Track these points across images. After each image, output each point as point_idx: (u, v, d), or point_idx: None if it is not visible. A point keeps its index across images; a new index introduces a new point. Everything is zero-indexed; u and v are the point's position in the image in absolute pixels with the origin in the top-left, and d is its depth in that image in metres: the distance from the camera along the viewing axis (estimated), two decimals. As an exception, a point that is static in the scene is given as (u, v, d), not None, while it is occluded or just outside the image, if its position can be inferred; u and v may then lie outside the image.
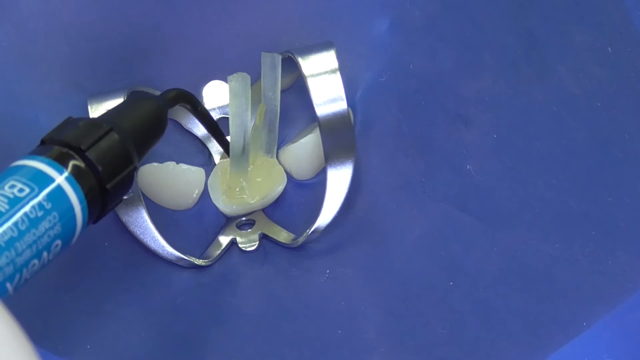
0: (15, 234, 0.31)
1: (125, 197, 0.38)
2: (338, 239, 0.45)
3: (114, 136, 0.35)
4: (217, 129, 0.44)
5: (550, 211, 0.43)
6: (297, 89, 0.47)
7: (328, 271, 0.44)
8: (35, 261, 0.32)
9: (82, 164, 0.34)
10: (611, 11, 0.44)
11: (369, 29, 0.47)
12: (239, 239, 0.45)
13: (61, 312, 0.41)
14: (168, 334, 0.42)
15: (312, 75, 0.43)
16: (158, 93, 0.42)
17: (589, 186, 0.43)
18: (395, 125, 0.46)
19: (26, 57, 0.45)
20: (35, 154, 0.33)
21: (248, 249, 0.45)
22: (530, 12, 0.45)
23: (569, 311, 0.41)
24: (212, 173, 0.46)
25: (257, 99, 0.45)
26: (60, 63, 0.45)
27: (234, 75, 0.43)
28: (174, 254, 0.43)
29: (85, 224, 0.34)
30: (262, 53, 0.44)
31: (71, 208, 0.33)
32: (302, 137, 0.46)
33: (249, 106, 0.43)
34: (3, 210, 0.31)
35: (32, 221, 0.31)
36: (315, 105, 0.43)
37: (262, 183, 0.46)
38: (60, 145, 0.34)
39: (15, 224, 0.31)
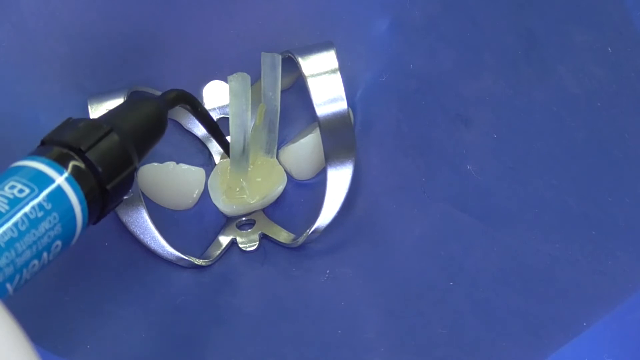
0: (16, 234, 0.31)
1: (125, 197, 0.38)
2: (338, 239, 0.45)
3: (114, 137, 0.35)
4: (217, 129, 0.44)
5: (550, 211, 0.43)
6: (297, 89, 0.47)
7: (328, 271, 0.44)
8: (35, 262, 0.32)
9: (82, 165, 0.34)
10: (611, 11, 0.44)
11: (369, 29, 0.47)
12: (239, 239, 0.45)
13: (61, 312, 0.41)
14: (168, 334, 0.42)
15: (312, 75, 0.43)
16: (158, 93, 0.42)
17: (589, 186, 0.43)
18: (395, 125, 0.46)
19: (26, 57, 0.45)
20: (35, 154, 0.33)
21: (248, 249, 0.45)
22: (530, 12, 0.45)
23: (569, 311, 0.41)
24: (212, 173, 0.46)
25: (257, 99, 0.45)
26: (60, 63, 0.45)
27: (234, 75, 0.43)
28: (174, 254, 0.43)
29: (86, 225, 0.34)
30: (262, 53, 0.44)
31: (71, 209, 0.33)
32: (302, 137, 0.46)
33: (249, 106, 0.43)
34: (3, 210, 0.31)
35: (32, 222, 0.31)
36: (315, 105, 0.43)
37: (262, 183, 0.46)
38: (60, 146, 0.34)
39: (16, 224, 0.31)
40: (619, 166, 0.43)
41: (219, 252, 0.45)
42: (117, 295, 0.43)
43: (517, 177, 0.44)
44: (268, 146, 0.46)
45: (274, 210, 0.47)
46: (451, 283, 0.43)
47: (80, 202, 0.33)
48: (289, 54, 0.44)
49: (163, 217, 0.45)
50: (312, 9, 0.47)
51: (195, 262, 0.44)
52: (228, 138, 0.44)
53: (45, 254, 0.32)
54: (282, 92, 0.45)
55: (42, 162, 0.33)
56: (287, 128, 0.47)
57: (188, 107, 0.41)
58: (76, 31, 0.45)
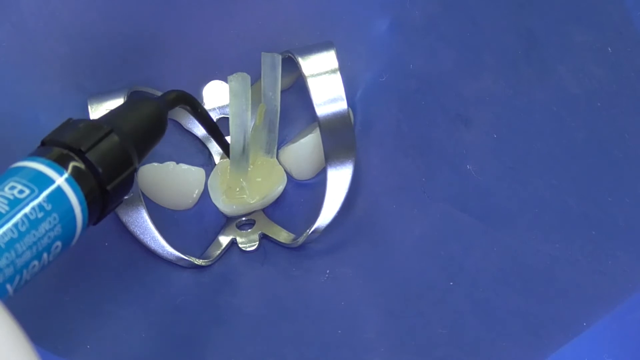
0: (16, 235, 0.31)
1: (125, 198, 0.38)
2: (338, 239, 0.45)
3: (114, 138, 0.35)
4: (217, 130, 0.44)
5: (550, 211, 0.43)
6: (297, 89, 0.47)
7: (328, 271, 0.44)
8: (36, 262, 0.32)
9: (82, 166, 0.34)
10: (611, 11, 0.44)
11: (369, 29, 0.47)
12: (239, 239, 0.45)
13: (61, 312, 0.41)
14: (168, 334, 0.42)
15: (312, 75, 0.43)
16: (158, 93, 0.42)
17: (589, 186, 0.43)
18: (395, 125, 0.46)
19: (26, 57, 0.45)
20: (35, 155, 0.33)
21: (248, 249, 0.45)
22: (530, 12, 0.45)
23: (569, 311, 0.41)
24: (212, 173, 0.46)
25: (257, 99, 0.45)
26: (60, 63, 0.45)
27: (234, 75, 0.43)
28: (174, 254, 0.43)
29: (86, 226, 0.34)
30: (262, 53, 0.44)
31: (71, 209, 0.33)
32: (302, 137, 0.46)
33: (249, 106, 0.43)
34: (3, 211, 0.31)
35: (32, 222, 0.31)
36: (315, 105, 0.43)
37: (262, 183, 0.46)
38: (60, 146, 0.34)
39: (16, 225, 0.31)
40: (619, 166, 0.43)
41: (219, 252, 0.45)
42: (117, 295, 0.43)
43: (517, 177, 0.44)
44: (268, 146, 0.46)
45: (274, 210, 0.47)
46: (451, 283, 0.43)
47: (80, 203, 0.33)
48: (289, 54, 0.44)
49: (163, 217, 0.45)
50: (312, 9, 0.47)
51: (195, 262, 0.44)
52: (228, 138, 0.44)
53: (45, 255, 0.32)
54: (282, 92, 0.45)
55: (42, 162, 0.33)
56: (287, 128, 0.47)
57: (188, 107, 0.41)
58: (76, 31, 0.45)
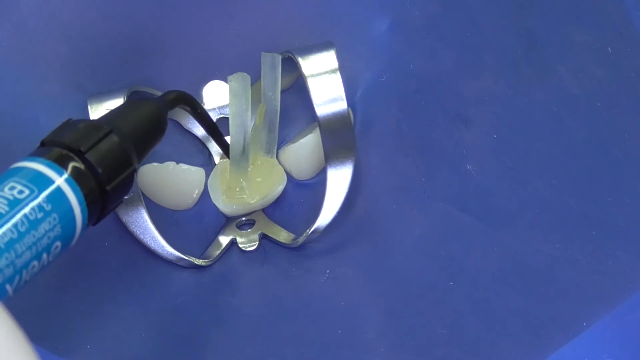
0: (15, 235, 0.31)
1: (125, 198, 0.38)
2: (338, 239, 0.45)
3: (114, 138, 0.35)
4: (216, 131, 0.44)
5: (550, 211, 0.43)
6: (297, 89, 0.47)
7: (328, 271, 0.44)
8: (35, 263, 0.32)
9: (81, 166, 0.34)
10: (611, 11, 0.44)
11: (369, 29, 0.47)
12: (239, 239, 0.45)
13: (61, 312, 0.41)
14: (168, 334, 0.42)
15: (312, 75, 0.43)
16: (158, 93, 0.42)
17: (589, 186, 0.43)
18: (395, 125, 0.46)
19: (26, 57, 0.45)
20: (35, 155, 0.33)
21: (248, 249, 0.45)
22: (530, 12, 0.45)
23: (569, 311, 0.41)
24: (212, 173, 0.46)
25: (257, 99, 0.45)
26: (60, 63, 0.45)
27: (234, 75, 0.43)
28: (174, 254, 0.43)
29: (85, 226, 0.34)
30: (262, 53, 0.44)
31: (71, 210, 0.33)
32: (302, 137, 0.46)
33: (249, 106, 0.43)
34: (3, 212, 0.31)
35: (32, 223, 0.31)
36: (315, 105, 0.43)
37: (262, 183, 0.46)
38: (60, 147, 0.34)
39: (15, 225, 0.31)
40: (619, 166, 0.43)
41: (218, 252, 0.45)
42: (117, 295, 0.43)
43: (517, 177, 0.44)
44: (268, 146, 0.46)
45: (274, 210, 0.47)
46: (451, 283, 0.43)
47: (80, 203, 0.33)
48: (289, 54, 0.44)
49: (163, 217, 0.45)
50: (312, 9, 0.47)
51: (195, 262, 0.44)
52: (228, 138, 0.44)
53: (44, 255, 0.32)
54: (282, 92, 0.45)
55: (42, 163, 0.33)
56: (287, 128, 0.47)
57: (187, 108, 0.41)
58: (76, 31, 0.45)
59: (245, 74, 0.43)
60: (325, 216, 0.44)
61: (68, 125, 0.36)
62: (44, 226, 0.32)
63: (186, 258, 0.44)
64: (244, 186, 0.45)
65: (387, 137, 0.46)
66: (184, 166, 0.46)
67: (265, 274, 0.45)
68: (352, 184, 0.44)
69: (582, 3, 0.45)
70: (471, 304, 0.42)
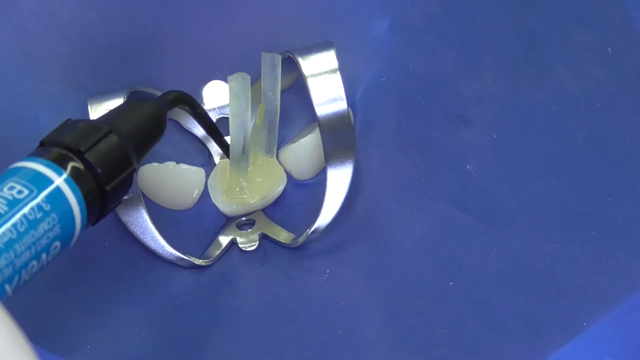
0: (14, 235, 0.31)
1: (125, 197, 0.38)
2: (338, 239, 0.45)
3: (113, 138, 0.35)
4: (216, 131, 0.44)
5: (550, 211, 0.43)
6: (297, 89, 0.47)
7: (328, 271, 0.44)
8: (34, 263, 0.32)
9: (81, 166, 0.34)
10: (611, 11, 0.44)
11: (369, 29, 0.47)
12: (239, 239, 0.45)
13: (61, 312, 0.41)
14: (168, 334, 0.42)
15: (312, 75, 0.43)
16: (158, 93, 0.42)
17: (589, 186, 0.43)
18: (395, 125, 0.46)
19: (26, 57, 0.45)
20: (34, 155, 0.33)
21: (248, 249, 0.45)
22: (530, 12, 0.45)
23: (569, 311, 0.41)
24: (212, 173, 0.46)
25: (257, 99, 0.45)
26: (60, 63, 0.45)
27: (234, 75, 0.43)
28: (174, 254, 0.43)
29: (84, 226, 0.34)
30: (262, 53, 0.44)
31: (70, 210, 0.33)
32: (302, 137, 0.46)
33: (249, 106, 0.43)
34: (2, 212, 0.31)
35: (31, 223, 0.31)
36: (315, 105, 0.43)
37: (262, 183, 0.46)
38: (59, 147, 0.34)
39: (14, 225, 0.31)
40: (619, 166, 0.43)
41: (219, 252, 0.45)
42: (117, 295, 0.43)
43: (517, 177, 0.44)
44: (268, 146, 0.46)
45: (274, 210, 0.47)
46: (451, 283, 0.43)
47: (79, 203, 0.33)
48: (289, 54, 0.44)
49: (163, 217, 0.45)
50: (312, 9, 0.47)
51: (195, 262, 0.44)
52: (228, 138, 0.44)
53: (44, 255, 0.32)
54: (282, 92, 0.45)
55: (41, 163, 0.33)
56: (287, 128, 0.47)
57: (187, 108, 0.41)
58: (76, 31, 0.45)
59: (245, 74, 0.43)
60: (325, 216, 0.44)
61: (67, 125, 0.36)
62: (43, 226, 0.32)
63: (186, 258, 0.44)
64: (244, 186, 0.45)
65: (387, 137, 0.46)
66: (184, 166, 0.46)
67: (265, 274, 0.45)
68: (352, 184, 0.44)
69: (582, 3, 0.45)
70: (471, 304, 0.42)
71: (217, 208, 0.46)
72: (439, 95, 0.46)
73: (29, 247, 0.31)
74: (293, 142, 0.47)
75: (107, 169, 0.34)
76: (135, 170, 0.37)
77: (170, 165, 0.46)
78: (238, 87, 0.43)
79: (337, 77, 0.44)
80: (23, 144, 0.37)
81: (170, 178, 0.45)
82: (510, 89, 0.45)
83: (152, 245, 0.43)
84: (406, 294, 0.43)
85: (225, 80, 0.44)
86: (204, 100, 0.47)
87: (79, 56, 0.45)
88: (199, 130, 0.47)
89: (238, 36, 0.47)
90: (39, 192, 0.32)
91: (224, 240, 0.45)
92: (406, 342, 0.42)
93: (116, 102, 0.43)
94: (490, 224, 0.44)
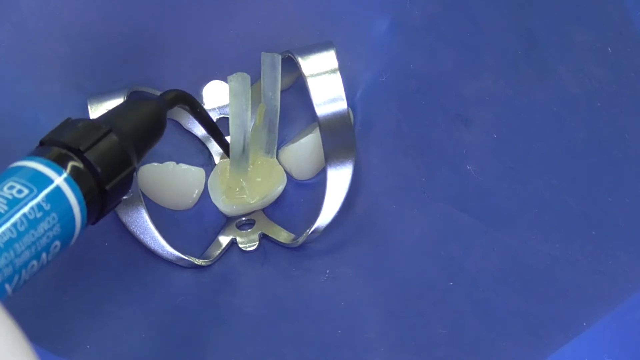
0: (14, 235, 0.31)
1: (125, 197, 0.38)
2: (338, 239, 0.45)
3: (113, 137, 0.35)
4: (216, 130, 0.44)
5: (550, 211, 0.43)
6: (297, 89, 0.47)
7: (328, 271, 0.44)
8: (34, 262, 0.32)
9: (81, 165, 0.34)
10: (611, 11, 0.44)
11: (369, 29, 0.47)
12: (239, 239, 0.45)
13: (61, 312, 0.41)
14: (168, 334, 0.42)
15: (312, 75, 0.43)
16: (158, 93, 0.42)
17: (589, 186, 0.43)
18: (395, 125, 0.46)
19: (26, 57, 0.45)
20: (34, 155, 0.33)
21: (248, 249, 0.45)
22: (530, 12, 0.45)
23: (569, 311, 0.41)
24: (212, 173, 0.46)
25: (257, 99, 0.45)
26: (60, 63, 0.45)
27: (234, 75, 0.43)
28: (174, 254, 0.43)
29: (84, 225, 0.34)
30: (262, 53, 0.44)
31: (70, 209, 0.33)
32: (302, 137, 0.46)
33: (249, 106, 0.43)
34: (2, 211, 0.31)
35: (31, 222, 0.31)
36: (315, 105, 0.43)
37: (262, 183, 0.46)
38: (59, 146, 0.34)
39: (14, 225, 0.31)
40: (619, 166, 0.43)
41: (218, 252, 0.45)
42: (117, 295, 0.43)
43: (517, 177, 0.44)
44: (268, 146, 0.46)
45: (274, 210, 0.47)
46: (451, 283, 0.43)
47: (79, 203, 0.33)
48: (289, 54, 0.44)
49: (163, 217, 0.45)
50: (312, 9, 0.47)
51: (195, 262, 0.44)
52: (228, 138, 0.44)
53: (44, 255, 0.32)
54: (282, 92, 0.45)
55: (41, 162, 0.33)
56: (287, 128, 0.47)
57: (187, 107, 0.41)
58: (76, 31, 0.45)
59: (245, 74, 0.43)
60: (325, 216, 0.44)
61: (67, 124, 0.36)
62: (43, 225, 0.32)
63: (186, 258, 0.44)
64: (244, 186, 0.45)
65: (387, 137, 0.46)
66: (184, 166, 0.46)
67: (265, 274, 0.45)
68: (352, 184, 0.44)
69: (582, 3, 0.45)
70: (471, 304, 0.42)
71: (217, 208, 0.46)
72: (439, 95, 0.46)
73: (29, 247, 0.31)
74: (293, 142, 0.47)
75: (107, 168, 0.34)
76: (135, 170, 0.37)
77: (170, 165, 0.46)
78: (238, 87, 0.43)
79: (337, 77, 0.44)
80: (23, 144, 0.37)
81: (170, 178, 0.45)
82: (510, 89, 0.45)
83: (152, 245, 0.43)
84: (406, 294, 0.43)
85: (225, 80, 0.44)
86: (204, 100, 0.47)
87: (79, 56, 0.45)
88: (199, 130, 0.47)
89: (238, 36, 0.47)
90: (39, 191, 0.32)
91: (224, 240, 0.45)
92: (406, 342, 0.42)
93: (116, 102, 0.43)
94: (490, 224, 0.44)
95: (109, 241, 0.44)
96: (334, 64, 0.44)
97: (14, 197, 0.31)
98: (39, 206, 0.32)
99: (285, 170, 0.46)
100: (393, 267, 0.44)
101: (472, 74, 0.46)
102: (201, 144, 0.47)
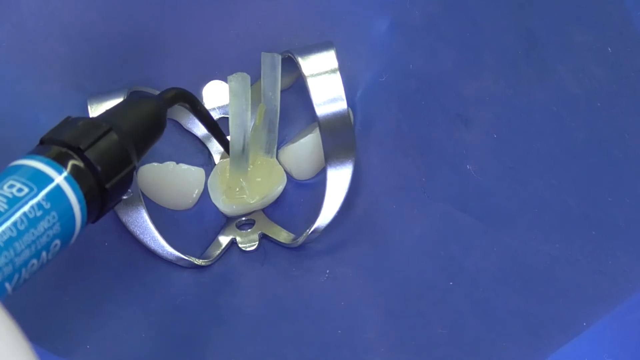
0: (14, 233, 0.31)
1: (125, 197, 0.38)
2: (338, 239, 0.45)
3: (113, 136, 0.35)
4: (216, 128, 0.44)
5: (550, 211, 0.43)
6: (297, 89, 0.47)
7: (328, 271, 0.44)
8: (34, 261, 0.32)
9: (81, 164, 0.34)
10: (611, 11, 0.44)
11: (369, 29, 0.47)
12: (239, 239, 0.45)
13: (60, 312, 0.41)
14: (168, 334, 0.42)
15: (312, 75, 0.43)
16: (158, 93, 0.42)
17: (589, 186, 0.43)
18: (395, 125, 0.46)
19: (26, 57, 0.45)
20: (34, 153, 0.33)
21: (248, 249, 0.45)
22: (530, 12, 0.45)
23: (569, 311, 0.41)
24: (212, 173, 0.46)
25: (257, 99, 0.45)
26: (60, 63, 0.45)
27: (234, 75, 0.43)
28: (174, 254, 0.43)
29: (84, 224, 0.34)
30: (262, 53, 0.44)
31: (70, 208, 0.33)
32: (302, 137, 0.46)
33: (249, 106, 0.43)
34: (2, 210, 0.31)
35: (31, 221, 0.31)
36: (315, 105, 0.43)
37: (262, 183, 0.46)
38: (59, 145, 0.34)
39: (14, 223, 0.31)
40: (619, 166, 0.43)
41: (218, 252, 0.45)
42: (117, 295, 0.43)
43: (517, 177, 0.44)
44: (268, 146, 0.46)
45: (274, 210, 0.47)
46: (451, 283, 0.43)
47: (79, 201, 0.33)
48: (289, 54, 0.44)
49: (163, 217, 0.45)
50: (312, 9, 0.47)
51: (195, 262, 0.44)
52: (228, 138, 0.44)
53: (44, 253, 0.32)
54: (282, 92, 0.45)
55: (41, 161, 0.33)
56: (287, 128, 0.47)
57: (187, 105, 0.41)
58: (76, 31, 0.45)
59: (245, 74, 0.43)
60: (325, 216, 0.44)
61: (67, 123, 0.36)
62: (43, 224, 0.32)
63: (186, 258, 0.44)
64: (243, 186, 0.45)
65: (387, 137, 0.46)
66: (184, 166, 0.46)
67: (265, 274, 0.45)
68: (352, 184, 0.44)
69: (582, 3, 0.45)
70: (471, 304, 0.42)
71: (217, 208, 0.46)
72: (439, 95, 0.46)
73: (29, 246, 0.31)
74: (293, 142, 0.47)
75: (107, 166, 0.34)
76: (135, 168, 0.37)
77: (170, 165, 0.46)
78: (238, 87, 0.43)
79: (337, 77, 0.44)
80: (23, 144, 0.37)
81: (170, 178, 0.45)
82: (510, 89, 0.45)
83: (152, 245, 0.43)
84: (406, 294, 0.43)
85: (225, 80, 0.44)
86: (204, 100, 0.47)
87: (79, 56, 0.45)
88: (199, 130, 0.47)
89: (238, 36, 0.47)
90: (39, 190, 0.32)
91: (224, 240, 0.45)
92: (406, 342, 0.42)
93: (116, 102, 0.43)
94: (490, 224, 0.44)
95: (109, 241, 0.44)
96: (334, 64, 0.44)
97: (14, 196, 0.31)
98: (39, 205, 0.32)
99: (285, 170, 0.46)
100: (393, 267, 0.44)
101: (472, 74, 0.46)
102: (201, 144, 0.47)
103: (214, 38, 0.47)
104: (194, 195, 0.46)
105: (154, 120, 0.38)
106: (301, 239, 0.44)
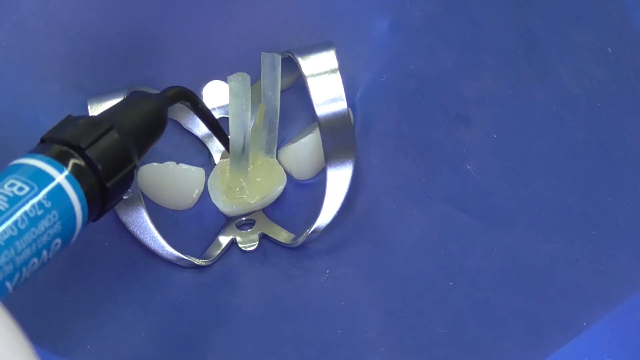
0: (15, 232, 0.31)
1: (125, 197, 0.38)
2: (338, 239, 0.45)
3: (114, 135, 0.35)
4: (217, 126, 0.44)
5: (550, 211, 0.43)
6: (297, 89, 0.47)
7: (328, 271, 0.44)
8: (35, 260, 0.32)
9: (82, 163, 0.34)
10: (611, 11, 0.44)
11: (369, 29, 0.47)
12: (239, 239, 0.45)
13: (61, 312, 0.41)
14: (168, 334, 0.42)
15: (312, 75, 0.43)
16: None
17: (589, 186, 0.43)
18: (395, 125, 0.46)
19: (26, 57, 0.45)
20: (35, 152, 0.33)
21: (248, 249, 0.45)
22: (530, 12, 0.45)
23: (569, 311, 0.41)
24: (212, 173, 0.46)
25: (257, 99, 0.45)
26: (60, 63, 0.45)
27: (234, 75, 0.43)
28: (174, 254, 0.43)
29: (85, 223, 0.34)
30: (262, 53, 0.44)
31: (71, 207, 0.33)
32: (302, 137, 0.46)
33: (249, 106, 0.43)
34: (3, 209, 0.31)
35: (32, 220, 0.31)
36: (315, 105, 0.43)
37: (262, 183, 0.46)
38: (60, 143, 0.34)
39: (15, 222, 0.31)
40: (619, 166, 0.43)
41: (218, 252, 0.45)
42: (117, 295, 0.43)
43: (517, 177, 0.44)
44: (268, 146, 0.46)
45: (274, 210, 0.47)
46: (451, 283, 0.43)
47: (80, 200, 0.33)
48: (289, 54, 0.44)
49: (163, 217, 0.45)
50: (312, 9, 0.47)
51: (195, 262, 0.44)
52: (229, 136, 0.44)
53: (44, 252, 0.32)
54: (282, 92, 0.45)
55: (42, 159, 0.33)
56: (287, 128, 0.47)
57: (188, 104, 0.41)
58: (76, 31, 0.45)
59: (245, 74, 0.43)
60: (325, 216, 0.44)
61: (68, 121, 0.36)
62: (44, 223, 0.32)
63: (186, 258, 0.44)
64: (244, 186, 0.45)
65: (387, 137, 0.46)
66: (184, 166, 0.46)
67: (265, 274, 0.45)
68: (352, 184, 0.44)
69: (582, 3, 0.45)
70: (471, 304, 0.42)
71: (217, 208, 0.46)
72: (439, 95, 0.46)
73: (29, 245, 0.31)
74: (293, 142, 0.47)
75: (107, 165, 0.34)
76: (136, 167, 0.37)
77: (170, 165, 0.46)
78: (238, 87, 0.43)
79: (337, 77, 0.44)
80: (23, 144, 0.36)
81: (170, 178, 0.45)
82: (510, 89, 0.45)
83: (152, 245, 0.43)
84: (406, 294, 0.43)
85: (225, 80, 0.44)
86: (204, 100, 0.47)
87: (79, 56, 0.45)
88: (199, 130, 0.47)
89: (238, 36, 0.47)
90: (40, 189, 0.32)
91: (224, 240, 0.45)
92: (406, 342, 0.42)
93: (116, 102, 0.43)
94: (490, 224, 0.44)
95: (109, 241, 0.44)
96: (334, 64, 0.44)
97: (15, 195, 0.31)
98: (39, 204, 0.32)
99: (285, 170, 0.46)
100: (393, 267, 0.44)
101: (472, 74, 0.46)
102: (201, 144, 0.47)
103: (214, 38, 0.47)
104: (194, 195, 0.46)
105: (155, 119, 0.38)
106: (301, 239, 0.44)
